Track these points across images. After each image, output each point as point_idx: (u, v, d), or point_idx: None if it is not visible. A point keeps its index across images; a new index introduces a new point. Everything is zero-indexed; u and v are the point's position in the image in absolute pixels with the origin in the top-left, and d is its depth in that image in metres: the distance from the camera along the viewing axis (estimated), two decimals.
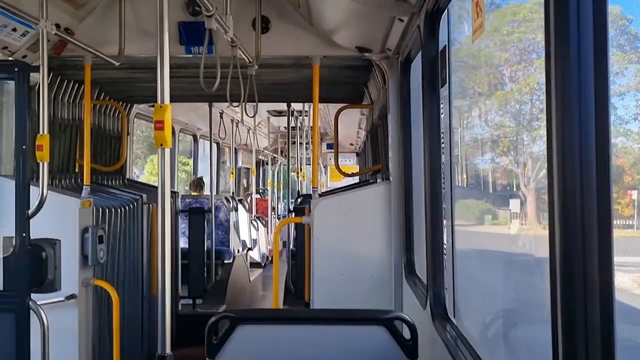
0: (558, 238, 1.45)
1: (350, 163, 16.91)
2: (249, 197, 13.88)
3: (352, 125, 10.74)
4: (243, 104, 4.73)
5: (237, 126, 10.56)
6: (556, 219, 1.45)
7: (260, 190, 16.79)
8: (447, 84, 3.33)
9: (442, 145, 3.40)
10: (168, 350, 2.58)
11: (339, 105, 6.13)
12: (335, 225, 4.55)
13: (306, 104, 9.37)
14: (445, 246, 3.37)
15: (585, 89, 1.41)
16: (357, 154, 16.42)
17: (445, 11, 3.23)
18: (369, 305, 4.35)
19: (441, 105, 3.40)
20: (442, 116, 3.41)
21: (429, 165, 3.38)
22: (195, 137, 10.12)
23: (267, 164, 17.11)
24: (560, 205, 1.44)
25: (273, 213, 15.20)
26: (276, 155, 16.54)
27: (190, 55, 4.57)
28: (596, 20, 1.40)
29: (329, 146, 15.66)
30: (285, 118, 9.91)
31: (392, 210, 4.53)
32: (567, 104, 1.43)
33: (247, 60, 4.35)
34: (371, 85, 5.49)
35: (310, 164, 15.41)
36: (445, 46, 3.30)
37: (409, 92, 4.41)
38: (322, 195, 4.95)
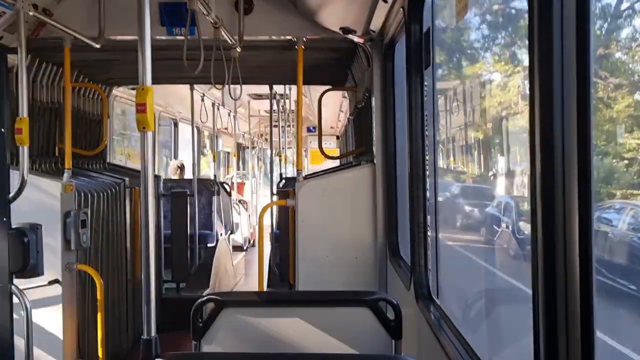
0: (539, 230, 1.48)
1: (330, 146, 16.96)
2: (230, 181, 13.87)
3: (333, 108, 10.74)
4: (227, 86, 4.69)
5: (218, 109, 10.49)
6: (538, 211, 1.47)
7: (241, 174, 16.77)
8: (430, 66, 3.34)
9: (426, 127, 3.41)
10: (153, 333, 2.58)
11: (321, 89, 6.11)
12: (319, 207, 4.56)
13: (287, 87, 9.32)
14: (428, 228, 3.40)
15: (565, 80, 1.43)
16: (337, 137, 16.45)
17: None
18: (354, 287, 4.39)
19: (425, 87, 3.40)
20: (425, 98, 3.41)
21: (412, 147, 3.39)
22: (175, 121, 10.03)
23: (247, 147, 17.05)
24: (542, 200, 1.46)
25: (255, 196, 15.19)
26: (257, 139, 16.50)
27: (172, 37, 4.50)
28: (579, 22, 1.41)
29: (309, 130, 15.64)
30: (265, 101, 9.87)
31: (377, 192, 4.55)
32: (549, 99, 1.45)
33: (230, 42, 4.30)
34: (355, 67, 5.47)
35: (290, 147, 15.43)
36: (429, 28, 3.29)
37: (393, 74, 4.41)
38: (306, 177, 4.96)
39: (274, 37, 4.68)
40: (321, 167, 13.70)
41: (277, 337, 2.95)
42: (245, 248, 12.61)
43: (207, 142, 13.26)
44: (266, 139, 14.45)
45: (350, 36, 4.56)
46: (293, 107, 11.08)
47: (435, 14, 3.35)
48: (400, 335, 2.91)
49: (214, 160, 11.59)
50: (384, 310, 2.95)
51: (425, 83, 3.37)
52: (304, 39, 4.59)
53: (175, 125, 10.20)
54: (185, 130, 10.48)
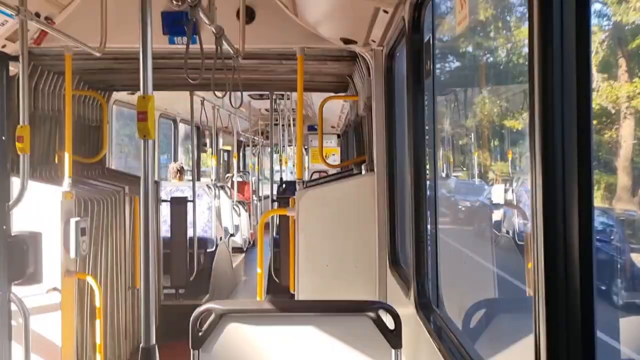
0: (540, 230, 1.48)
1: (332, 145, 16.98)
2: (230, 181, 13.84)
3: (334, 107, 10.76)
4: (227, 93, 4.70)
5: (217, 111, 10.50)
6: (538, 211, 1.48)
7: (241, 173, 16.75)
8: (431, 76, 3.35)
9: (427, 136, 3.42)
10: (152, 342, 2.58)
11: (323, 93, 6.13)
12: (320, 216, 4.57)
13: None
14: (429, 237, 3.40)
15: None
16: (339, 136, 16.47)
17: (430, 2, 3.24)
18: (354, 295, 4.38)
19: (425, 97, 3.41)
20: (426, 108, 3.42)
21: (413, 157, 3.40)
22: (175, 121, 10.02)
23: (247, 146, 17.04)
24: (543, 200, 1.46)
25: (255, 196, 15.19)
26: (257, 137, 16.51)
27: (174, 46, 4.52)
28: (579, 19, 1.42)
29: (310, 128, 15.65)
30: (265, 100, 9.88)
31: (377, 201, 4.55)
32: (549, 99, 1.45)
33: (231, 51, 4.32)
34: (356, 76, 5.49)
35: (291, 146, 15.41)
36: (429, 38, 3.31)
37: (394, 83, 4.42)
38: (306, 185, 4.96)
39: (274, 47, 4.69)
40: (322, 166, 13.72)
41: (276, 347, 2.95)
42: (245, 249, 12.58)
43: (207, 140, 13.25)
44: (267, 137, 14.46)
45: (350, 46, 4.58)
46: (294, 106, 11.10)
47: (435, 24, 3.36)
48: (400, 344, 2.91)
49: (214, 161, 11.59)
50: (384, 320, 2.95)
51: (425, 92, 3.38)
52: (305, 48, 4.60)
53: (175, 126, 10.19)
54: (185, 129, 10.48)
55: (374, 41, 4.42)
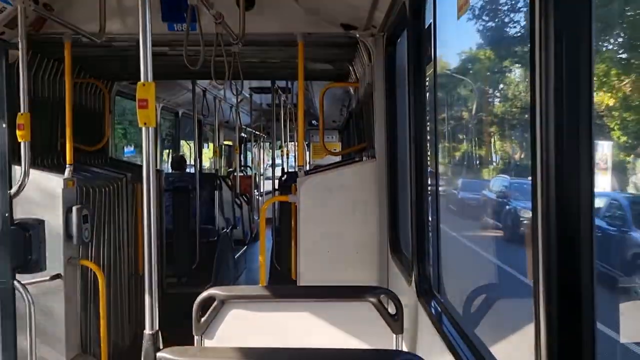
0: (539, 225, 1.48)
1: (332, 140, 17.01)
2: (232, 175, 13.88)
3: (334, 103, 10.75)
4: (227, 81, 4.69)
5: (219, 103, 10.50)
6: (538, 205, 1.48)
7: (243, 168, 16.80)
8: (432, 62, 3.33)
9: (427, 122, 3.41)
10: (156, 327, 2.60)
11: (323, 84, 6.10)
12: (321, 202, 4.57)
13: (289, 82, 9.32)
14: (430, 223, 3.41)
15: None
16: (340, 131, 16.48)
17: None
18: (355, 281, 4.39)
19: (426, 83, 3.40)
20: (427, 94, 3.41)
21: (415, 143, 3.39)
22: (177, 114, 10.03)
23: (249, 141, 17.10)
24: (543, 194, 1.47)
25: (256, 191, 15.22)
26: (258, 133, 16.54)
27: (173, 32, 4.50)
28: (581, 22, 1.42)
29: (311, 123, 15.69)
30: (267, 95, 9.88)
31: (378, 187, 4.55)
32: (551, 94, 1.45)
33: (232, 38, 4.30)
34: (357, 63, 5.47)
35: (292, 141, 15.47)
36: (430, 23, 3.29)
37: (395, 70, 4.40)
38: (308, 173, 4.96)
39: (275, 33, 4.67)
40: (323, 161, 13.74)
41: (278, 332, 2.97)
42: (246, 242, 12.64)
43: (209, 136, 13.28)
44: (268, 132, 14.49)
45: (351, 32, 4.55)
46: (295, 101, 11.11)
47: (437, 9, 3.34)
48: (402, 329, 2.93)
49: (216, 155, 11.62)
50: (385, 305, 2.97)
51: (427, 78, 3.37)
52: (305, 34, 4.58)
53: (177, 118, 10.20)
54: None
55: (374, 27, 4.40)
